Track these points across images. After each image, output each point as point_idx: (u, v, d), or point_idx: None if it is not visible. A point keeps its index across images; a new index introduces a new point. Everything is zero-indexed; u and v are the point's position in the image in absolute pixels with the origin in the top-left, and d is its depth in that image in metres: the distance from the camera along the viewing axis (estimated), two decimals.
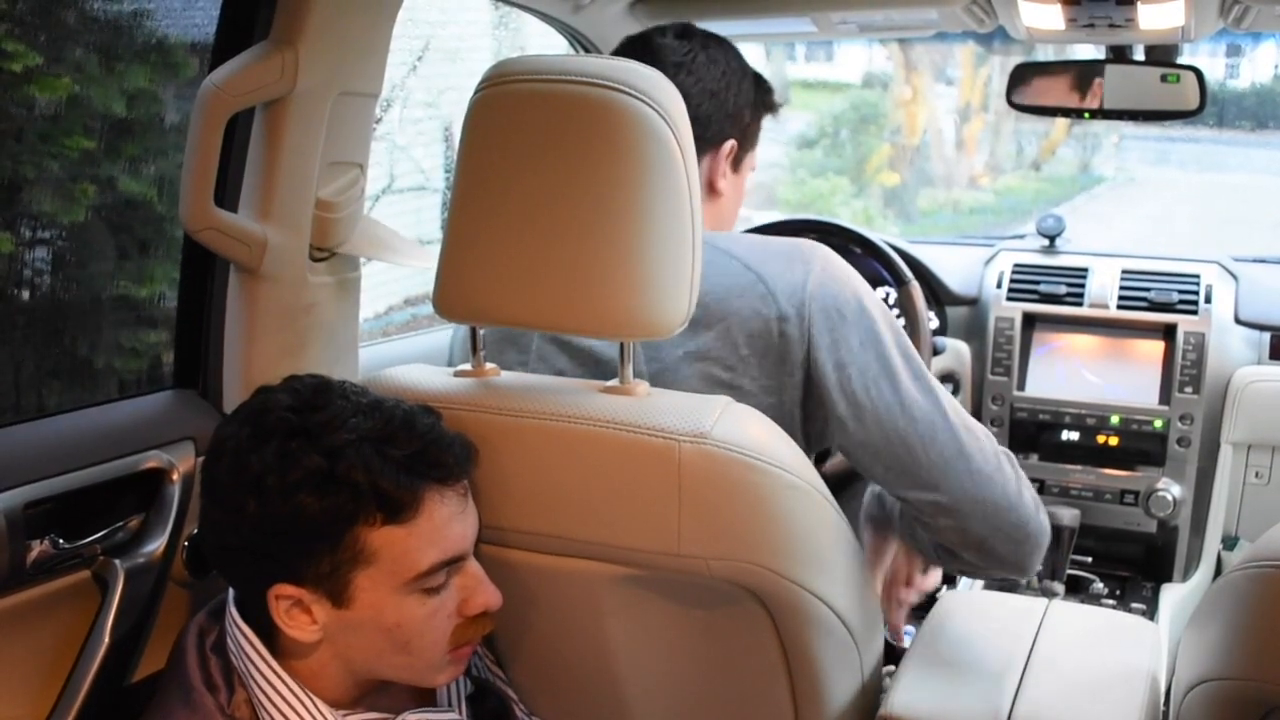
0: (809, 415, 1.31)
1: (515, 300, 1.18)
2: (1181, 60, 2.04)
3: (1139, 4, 1.70)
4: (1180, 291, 2.21)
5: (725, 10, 1.97)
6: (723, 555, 1.16)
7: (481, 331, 1.28)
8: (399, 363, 1.34)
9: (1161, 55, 2.03)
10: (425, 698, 1.27)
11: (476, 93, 1.20)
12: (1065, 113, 2.16)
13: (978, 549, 1.32)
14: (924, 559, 1.48)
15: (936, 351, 2.15)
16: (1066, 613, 1.46)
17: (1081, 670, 1.33)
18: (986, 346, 2.27)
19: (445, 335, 2.08)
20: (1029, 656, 1.34)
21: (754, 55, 2.38)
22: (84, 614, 1.33)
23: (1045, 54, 2.30)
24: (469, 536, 1.17)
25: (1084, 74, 2.08)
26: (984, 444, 1.32)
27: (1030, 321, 2.28)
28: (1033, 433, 2.25)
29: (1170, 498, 2.15)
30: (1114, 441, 2.19)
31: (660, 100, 1.14)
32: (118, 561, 1.33)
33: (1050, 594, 2.08)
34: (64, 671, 1.31)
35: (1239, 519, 2.25)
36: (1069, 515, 2.11)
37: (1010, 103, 2.14)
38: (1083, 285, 2.27)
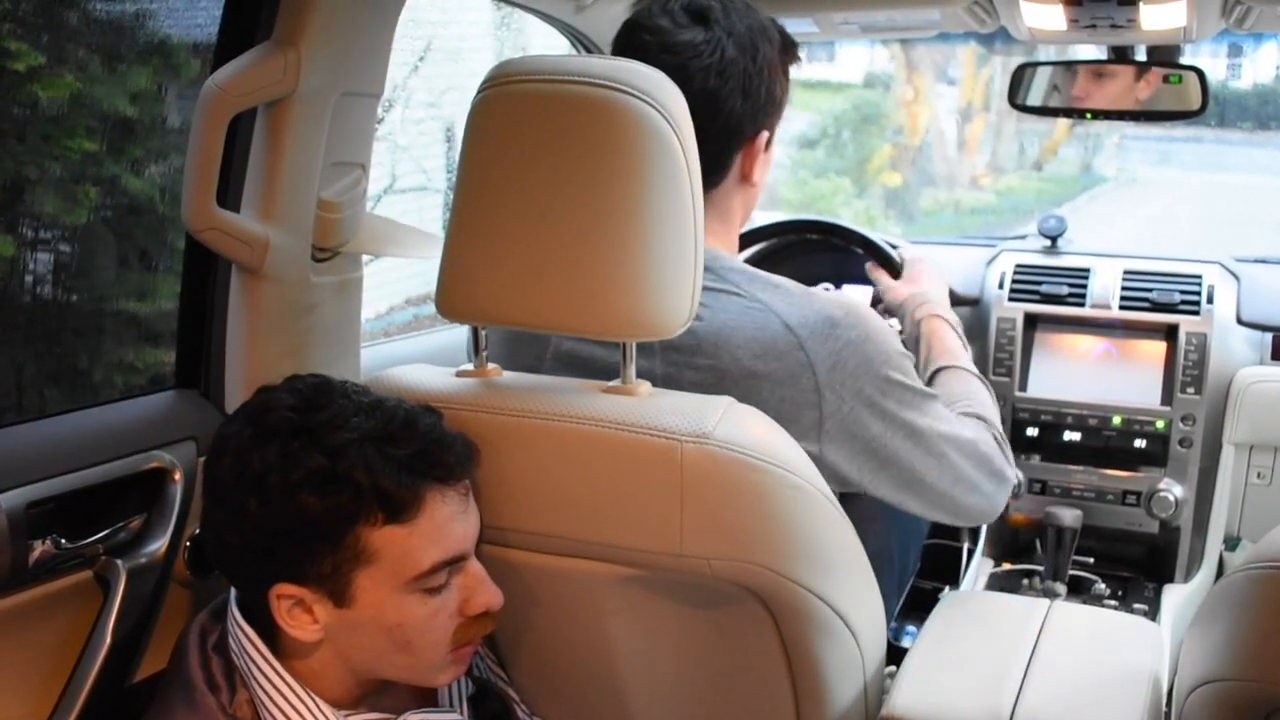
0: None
1: (517, 300, 1.18)
2: (1183, 61, 2.04)
3: (1141, 4, 1.70)
4: (1182, 292, 2.21)
5: None
6: (725, 555, 1.16)
7: (484, 331, 1.28)
8: (401, 363, 1.34)
9: (1163, 56, 2.03)
10: (427, 698, 1.27)
11: (479, 93, 1.20)
12: (1067, 113, 2.16)
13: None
14: None
15: None
16: (1068, 613, 1.46)
17: (1083, 671, 1.33)
18: (988, 347, 2.27)
19: (446, 335, 2.08)
20: (1031, 657, 1.34)
21: None
22: (86, 614, 1.33)
23: (1047, 54, 2.30)
24: (470, 536, 1.17)
25: (1086, 74, 2.08)
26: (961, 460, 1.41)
27: (1032, 322, 2.28)
28: (1034, 433, 2.25)
29: (1172, 498, 2.15)
30: (1116, 442, 2.19)
31: (662, 100, 1.14)
32: (120, 561, 1.33)
33: (1052, 595, 2.08)
34: (66, 671, 1.31)
35: (1241, 519, 2.25)
36: (1071, 516, 2.11)
37: (1012, 103, 2.13)
38: (1084, 286, 2.26)
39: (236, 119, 1.39)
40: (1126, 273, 2.27)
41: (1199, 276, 2.24)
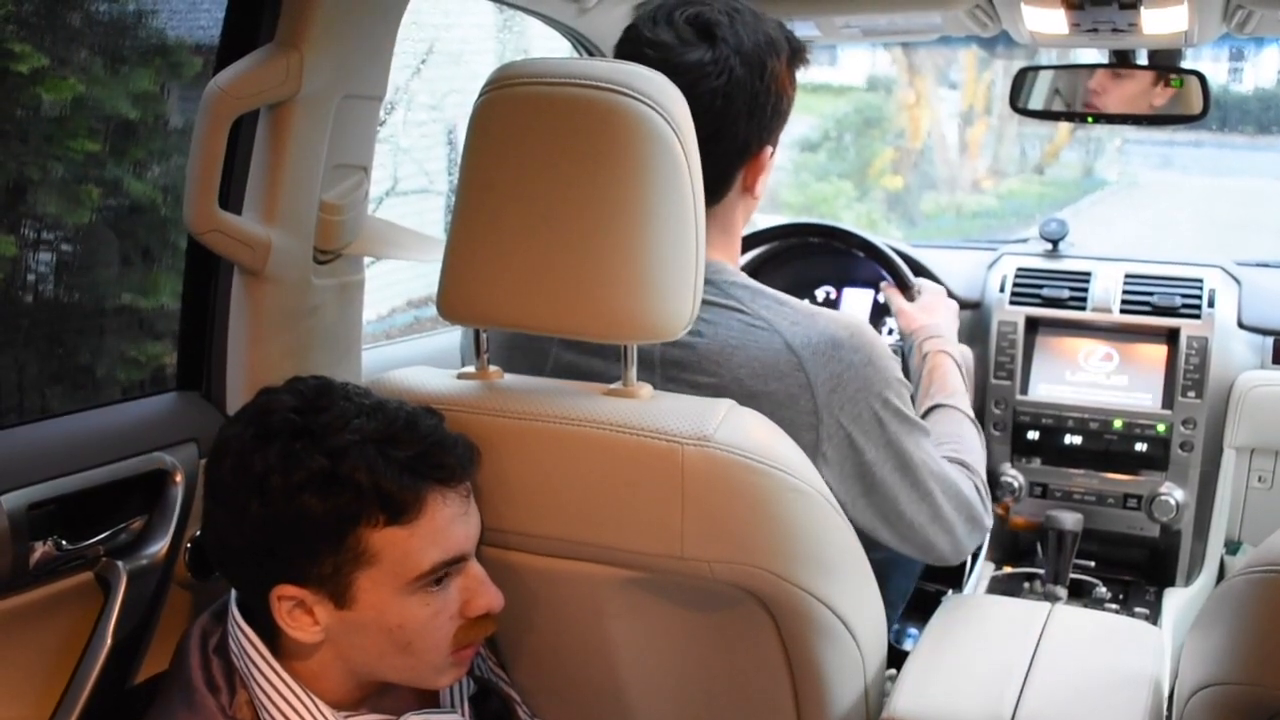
0: None
1: (518, 303, 1.18)
2: (1185, 65, 2.04)
3: (1142, 8, 1.70)
4: (1183, 296, 2.21)
5: None
6: (725, 558, 1.16)
7: (485, 334, 1.28)
8: (402, 365, 1.34)
9: (1165, 60, 2.03)
10: (428, 699, 1.27)
11: (481, 96, 1.20)
12: (1068, 117, 2.15)
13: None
14: None
15: None
16: (1069, 617, 1.46)
17: (1084, 675, 1.33)
18: (989, 350, 2.27)
19: (448, 338, 2.08)
20: (1032, 661, 1.34)
21: None
22: (87, 615, 1.33)
23: (1049, 58, 2.30)
24: (471, 538, 1.17)
25: (1087, 78, 2.08)
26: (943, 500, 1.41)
27: (1033, 325, 2.27)
28: (1035, 437, 2.24)
29: (1173, 502, 2.15)
30: (1117, 446, 2.19)
31: (664, 104, 1.14)
32: (120, 563, 1.34)
33: (1053, 598, 2.07)
34: (66, 672, 1.31)
35: (1242, 523, 2.25)
36: (1071, 519, 2.10)
37: (1013, 107, 2.13)
38: (1086, 289, 2.26)
39: (239, 121, 1.39)
40: (1128, 276, 2.27)
41: (1200, 280, 2.24)
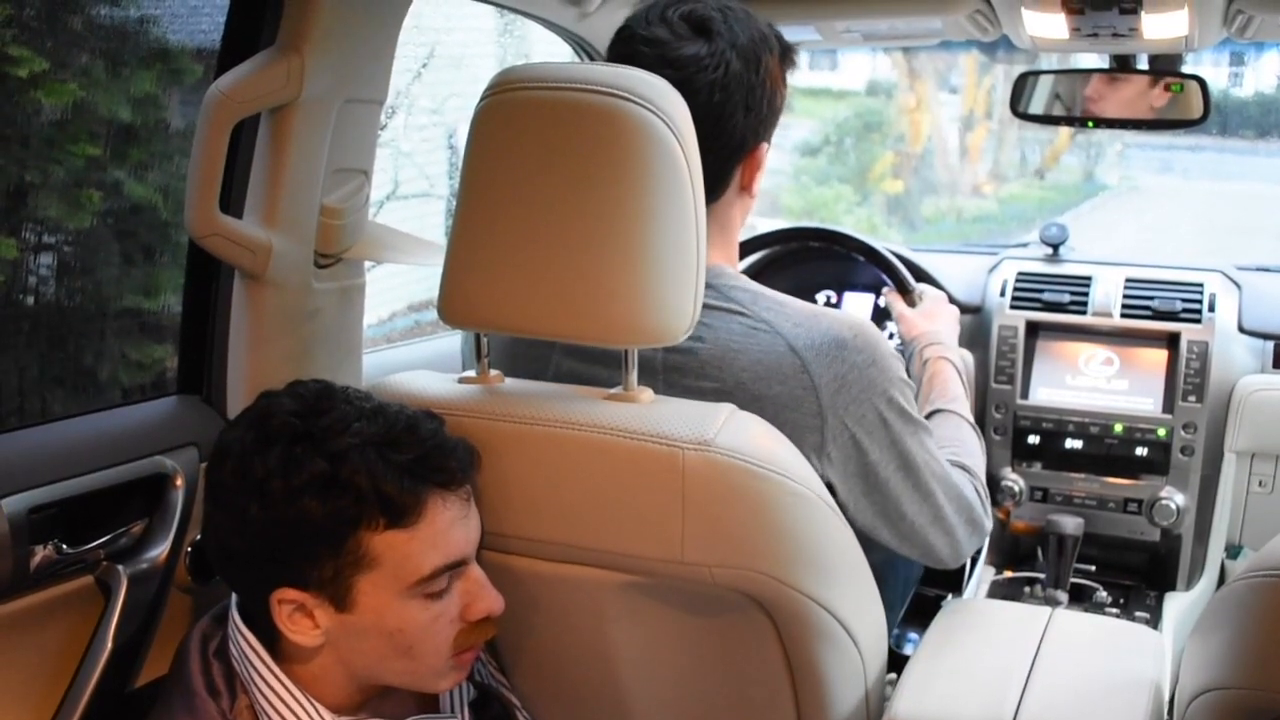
0: None
1: (520, 307, 1.18)
2: (1185, 69, 2.04)
3: (1143, 13, 1.70)
4: (1184, 300, 2.21)
5: None
6: (726, 563, 1.16)
7: (486, 338, 1.28)
8: (402, 369, 1.34)
9: (1165, 64, 2.03)
10: (428, 704, 1.27)
11: (482, 100, 1.20)
12: (1069, 122, 2.15)
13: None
14: None
15: None
16: (1070, 621, 1.46)
17: (1085, 679, 1.33)
18: (990, 355, 2.27)
19: (448, 342, 2.08)
20: (1032, 665, 1.34)
21: None
22: (87, 619, 1.33)
23: (1049, 63, 2.30)
24: (471, 541, 1.17)
25: (1087, 83, 2.08)
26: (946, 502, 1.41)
27: (1034, 330, 2.27)
28: (1036, 441, 2.25)
29: (1174, 506, 2.15)
30: (1117, 450, 2.19)
31: (665, 108, 1.14)
32: (121, 567, 1.34)
33: (1054, 602, 2.07)
34: (67, 677, 1.31)
35: (1242, 527, 2.25)
36: (1072, 524, 2.11)
37: (1014, 112, 2.14)
38: (1086, 294, 2.27)
39: (240, 125, 1.39)
40: (1128, 281, 2.27)
41: (1201, 285, 2.24)
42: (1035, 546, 2.30)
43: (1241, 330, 2.23)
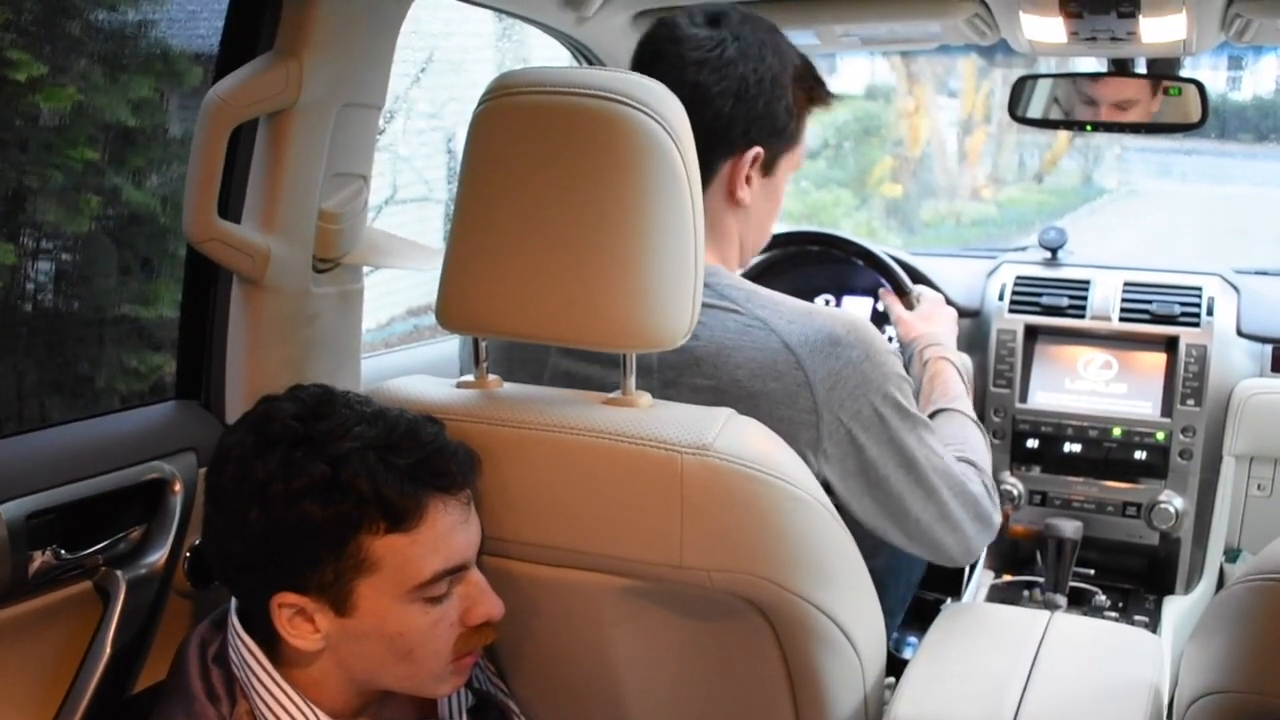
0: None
1: (518, 311, 1.18)
2: (1183, 73, 2.04)
3: (1141, 18, 1.70)
4: (1182, 304, 2.21)
5: None
6: (725, 567, 1.16)
7: (484, 343, 1.28)
8: (401, 374, 1.34)
9: (1163, 68, 2.03)
10: (427, 709, 1.27)
11: (480, 104, 1.20)
12: (1067, 126, 2.16)
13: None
14: None
15: None
16: (1069, 625, 1.46)
17: (1084, 683, 1.33)
18: (988, 359, 2.27)
19: (447, 346, 2.08)
20: (1031, 669, 1.34)
21: None
22: (86, 625, 1.33)
23: (1047, 67, 2.30)
24: (472, 545, 1.17)
25: (1086, 87, 2.08)
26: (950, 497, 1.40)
27: (1032, 334, 2.28)
28: (1034, 445, 2.25)
29: (1173, 510, 2.15)
30: (1116, 454, 2.19)
31: (663, 113, 1.14)
32: (120, 572, 1.34)
33: (1053, 606, 2.07)
34: (65, 682, 1.31)
35: (1241, 531, 2.25)
36: (1071, 527, 2.10)
37: (1012, 116, 2.14)
38: (1085, 298, 2.27)
39: (238, 130, 1.39)
40: (1127, 284, 2.27)
41: (1199, 288, 2.24)
42: (1034, 550, 2.29)
43: (1240, 334, 2.23)
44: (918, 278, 2.23)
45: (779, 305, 1.32)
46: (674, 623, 1.26)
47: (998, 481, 2.23)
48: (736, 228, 1.42)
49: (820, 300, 2.38)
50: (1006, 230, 7.57)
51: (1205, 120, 2.00)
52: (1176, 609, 2.20)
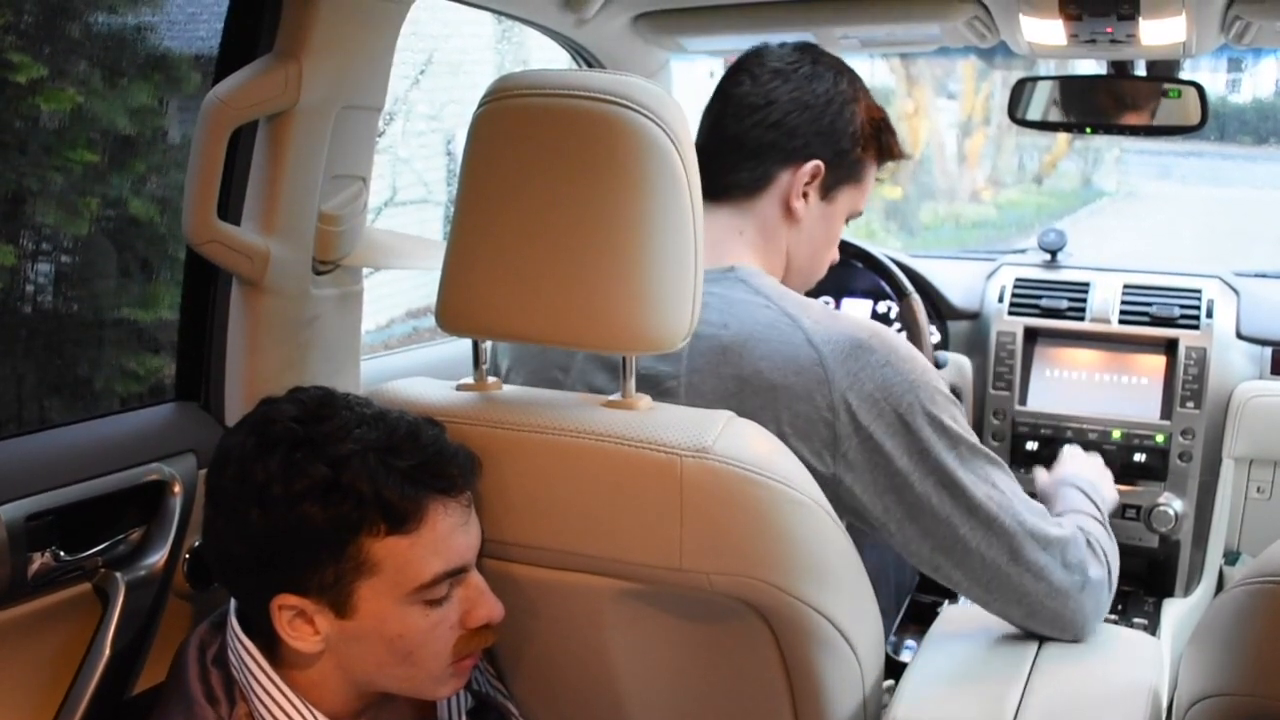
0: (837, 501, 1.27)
1: (517, 314, 1.18)
2: (1183, 75, 2.04)
3: (1140, 20, 1.70)
4: (1182, 306, 2.21)
5: (726, 25, 1.97)
6: (724, 570, 1.16)
7: (485, 344, 1.28)
8: (401, 376, 1.34)
9: (1163, 70, 2.03)
10: (426, 711, 1.27)
11: (480, 107, 1.20)
12: (1066, 128, 2.16)
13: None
14: None
15: (938, 365, 2.15)
16: None
17: (1083, 686, 1.33)
18: (988, 361, 2.27)
19: (447, 348, 2.08)
20: (1030, 671, 1.34)
21: None
22: (85, 626, 1.33)
23: (1047, 69, 2.30)
24: (472, 548, 1.17)
25: (1085, 89, 2.08)
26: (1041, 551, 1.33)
27: (1032, 336, 2.28)
28: (1034, 447, 2.24)
29: (1172, 512, 2.15)
30: (1115, 456, 2.19)
31: (663, 115, 1.14)
32: (119, 574, 1.33)
33: None
34: (64, 684, 1.31)
35: (1241, 534, 2.25)
36: None
37: (1012, 118, 2.14)
38: (1084, 300, 2.27)
39: (237, 132, 1.39)
40: (1126, 287, 2.27)
41: (1199, 291, 2.24)
42: None
43: (1239, 336, 2.23)
44: (917, 281, 2.23)
45: (809, 306, 1.33)
46: (673, 625, 1.26)
47: None
48: (786, 241, 1.43)
49: (819, 302, 2.38)
50: (1006, 232, 7.58)
51: (1205, 123, 2.00)
52: (1176, 612, 2.20)
